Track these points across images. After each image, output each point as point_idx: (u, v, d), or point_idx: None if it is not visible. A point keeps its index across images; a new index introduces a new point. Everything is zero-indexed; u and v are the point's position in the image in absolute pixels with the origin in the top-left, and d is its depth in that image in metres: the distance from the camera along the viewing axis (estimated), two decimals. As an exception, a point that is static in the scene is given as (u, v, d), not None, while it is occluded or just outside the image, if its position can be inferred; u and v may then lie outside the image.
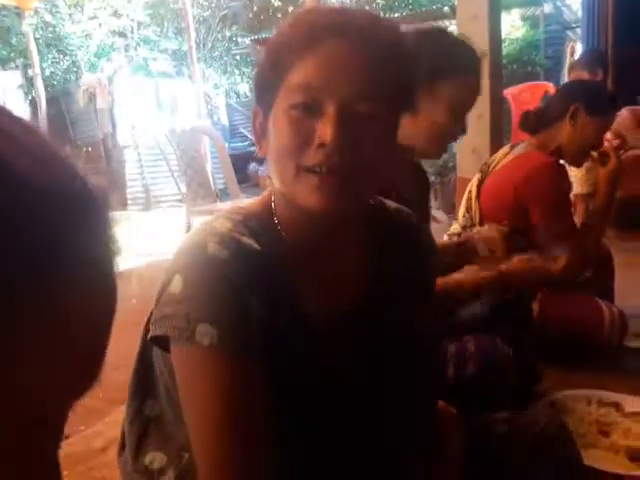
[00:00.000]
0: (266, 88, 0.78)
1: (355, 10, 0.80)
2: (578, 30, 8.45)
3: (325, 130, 0.72)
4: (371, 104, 0.74)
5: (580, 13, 7.58)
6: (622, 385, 1.50)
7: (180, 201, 5.96)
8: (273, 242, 0.80)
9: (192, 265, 0.75)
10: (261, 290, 0.75)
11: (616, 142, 3.48)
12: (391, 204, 0.96)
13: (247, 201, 0.91)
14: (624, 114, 3.48)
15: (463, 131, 1.45)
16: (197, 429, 0.76)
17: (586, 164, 3.36)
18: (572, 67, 3.63)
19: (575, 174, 3.38)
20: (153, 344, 0.80)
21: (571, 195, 3.62)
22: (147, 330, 0.87)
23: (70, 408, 0.32)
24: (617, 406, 1.40)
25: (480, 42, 2.53)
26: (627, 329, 1.82)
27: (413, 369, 0.91)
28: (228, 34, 13.76)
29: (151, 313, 0.87)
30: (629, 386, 1.51)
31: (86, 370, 0.32)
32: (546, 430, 1.15)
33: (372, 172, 0.78)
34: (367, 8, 13.42)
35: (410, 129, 1.37)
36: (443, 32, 1.57)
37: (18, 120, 0.31)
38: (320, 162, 0.73)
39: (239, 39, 13.62)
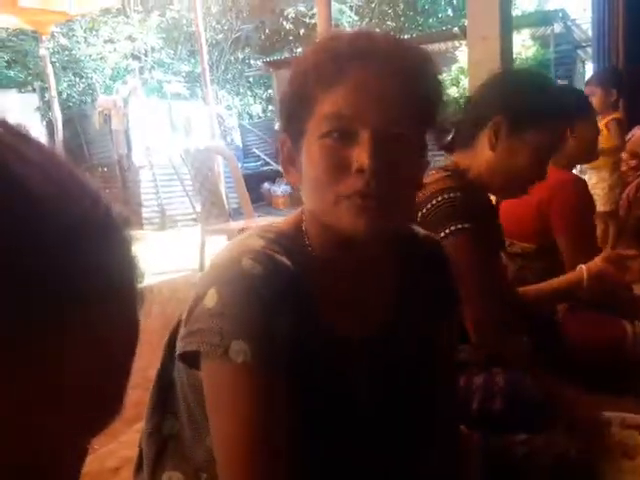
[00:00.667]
0: (295, 117, 0.79)
1: (377, 34, 0.80)
2: (589, 49, 8.48)
3: (362, 156, 0.73)
4: (402, 127, 0.75)
5: (590, 32, 7.62)
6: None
7: (194, 220, 6.00)
8: (303, 261, 0.81)
9: (227, 280, 0.75)
10: (292, 308, 0.76)
11: (633, 163, 3.47)
12: (421, 231, 0.98)
13: (274, 220, 0.92)
14: (638, 133, 3.47)
15: (542, 177, 1.42)
16: (225, 446, 0.75)
17: (609, 182, 3.36)
18: (588, 83, 3.63)
19: (597, 192, 3.38)
20: (180, 360, 0.80)
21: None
22: (170, 346, 0.88)
23: (89, 443, 0.31)
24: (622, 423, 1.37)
25: (491, 63, 2.55)
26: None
27: (434, 393, 0.92)
28: (241, 56, 13.97)
29: (174, 330, 0.88)
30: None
31: (108, 405, 0.31)
32: (567, 452, 1.13)
33: (407, 192, 0.80)
34: (377, 30, 13.54)
35: (485, 168, 1.38)
36: (535, 75, 1.55)
37: (43, 148, 0.30)
38: (359, 189, 0.74)
39: (251, 61, 13.82)
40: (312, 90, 0.76)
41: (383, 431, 0.86)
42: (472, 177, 1.38)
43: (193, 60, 12.58)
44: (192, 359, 0.77)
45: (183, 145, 5.17)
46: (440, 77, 0.83)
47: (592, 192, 3.45)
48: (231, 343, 0.72)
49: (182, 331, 0.77)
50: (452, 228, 1.26)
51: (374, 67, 0.75)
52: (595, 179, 3.42)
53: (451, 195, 1.28)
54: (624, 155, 3.48)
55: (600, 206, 3.39)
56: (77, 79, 11.37)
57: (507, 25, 2.57)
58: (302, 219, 0.85)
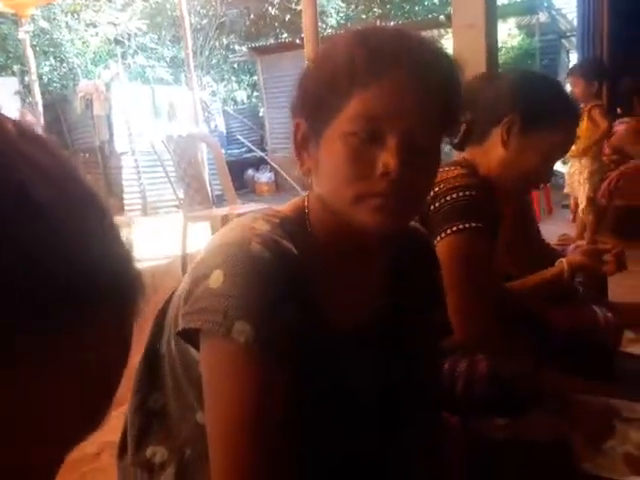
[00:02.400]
0: (320, 107, 0.78)
1: (413, 35, 0.79)
2: (573, 39, 8.52)
3: (389, 160, 0.74)
4: (428, 134, 0.77)
5: (575, 22, 7.65)
6: (620, 391, 1.51)
7: (177, 207, 5.96)
8: (307, 249, 0.81)
9: (234, 262, 0.74)
10: (298, 294, 0.76)
11: (615, 157, 3.52)
12: (412, 225, 1.01)
13: (257, 207, 0.92)
14: (620, 128, 3.51)
15: (548, 179, 1.48)
16: (219, 424, 0.75)
17: (589, 169, 3.40)
18: (571, 72, 3.66)
19: (576, 178, 3.42)
20: (180, 336, 0.80)
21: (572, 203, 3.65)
22: (158, 324, 0.89)
23: (67, 454, 0.30)
24: (615, 412, 1.40)
25: (477, 51, 2.54)
26: (622, 334, 1.82)
27: (426, 381, 0.95)
28: (225, 42, 13.83)
29: (162, 308, 0.89)
30: (627, 392, 1.51)
31: (95, 419, 0.30)
32: (543, 437, 1.15)
33: (423, 195, 0.85)
34: (363, 17, 13.52)
35: (495, 165, 1.42)
36: (549, 79, 1.58)
37: (54, 152, 0.30)
38: (383, 190, 0.75)
39: (236, 47, 13.68)
40: (343, 86, 0.75)
41: (378, 418, 0.88)
42: (483, 174, 1.42)
43: (177, 45, 12.43)
44: (191, 337, 0.77)
45: (166, 131, 5.12)
46: (461, 87, 0.83)
47: (572, 179, 3.50)
48: (235, 323, 0.72)
49: (183, 309, 0.77)
50: (465, 225, 1.31)
51: (410, 73, 0.74)
52: (576, 166, 3.46)
53: (466, 193, 1.33)
54: (606, 150, 3.52)
55: (577, 192, 3.44)
56: (58, 63, 11.19)
57: (492, 13, 2.56)
58: (305, 205, 0.86)
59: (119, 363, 0.31)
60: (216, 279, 0.74)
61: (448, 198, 1.34)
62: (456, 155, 1.62)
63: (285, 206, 0.89)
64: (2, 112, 0.30)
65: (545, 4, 9.03)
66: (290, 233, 0.80)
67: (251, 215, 0.83)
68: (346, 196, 0.77)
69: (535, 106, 1.38)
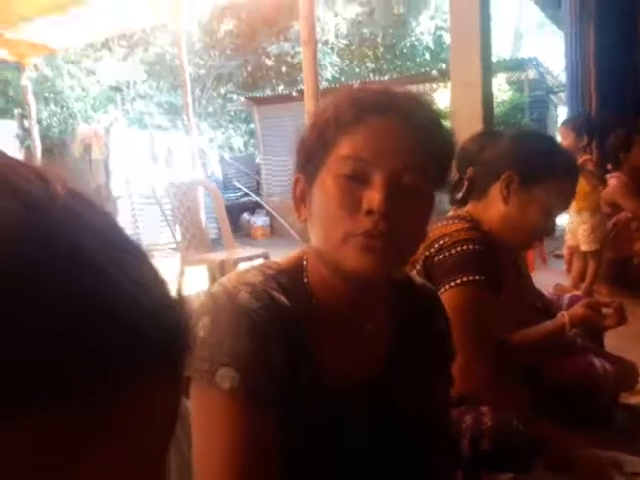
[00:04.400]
0: (311, 158, 0.83)
1: (398, 90, 0.84)
2: (561, 94, 8.80)
3: (374, 198, 0.76)
4: (414, 176, 0.79)
5: (562, 78, 7.92)
6: (621, 444, 1.51)
7: (173, 250, 5.97)
8: (301, 301, 0.83)
9: (221, 310, 0.77)
10: (286, 345, 0.78)
11: (608, 210, 3.61)
12: (418, 279, 1.01)
13: (255, 250, 0.94)
14: (612, 182, 3.60)
15: (550, 232, 1.52)
16: (204, 470, 0.75)
17: (590, 223, 3.47)
18: (563, 124, 3.78)
19: (580, 232, 3.48)
20: None
21: (566, 253, 3.68)
22: None
23: None
24: (618, 466, 1.41)
25: (473, 106, 2.65)
26: (621, 385, 1.84)
27: (425, 444, 0.92)
28: (223, 91, 14.13)
29: None
30: (628, 445, 1.52)
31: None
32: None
33: (412, 239, 0.83)
34: (357, 70, 13.93)
35: (497, 220, 1.47)
36: (545, 137, 1.68)
37: (101, 212, 0.30)
38: (368, 228, 0.76)
39: (233, 96, 13.98)
40: (331, 134, 0.80)
41: (372, 474, 0.86)
42: (485, 229, 1.47)
43: (174, 93, 12.69)
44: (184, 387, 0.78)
45: (167, 177, 5.18)
46: (451, 135, 0.86)
47: (575, 233, 3.57)
48: (219, 369, 0.74)
49: None
50: (469, 278, 1.35)
51: (392, 118, 0.79)
52: (578, 220, 3.53)
53: (470, 247, 1.38)
54: (602, 203, 3.61)
55: (583, 245, 3.50)
56: (58, 109, 11.36)
57: (488, 72, 2.69)
58: (304, 257, 0.87)
59: (174, 411, 0.31)
60: (203, 327, 0.76)
61: (452, 251, 1.39)
62: (455, 209, 1.68)
63: (284, 258, 0.90)
64: (51, 171, 0.29)
65: (533, 62, 9.35)
66: (284, 285, 0.82)
67: (250, 267, 0.85)
68: (334, 237, 0.78)
69: (531, 162, 1.44)
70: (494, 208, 1.48)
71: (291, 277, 0.85)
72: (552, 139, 1.73)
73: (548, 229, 1.50)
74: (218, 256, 4.47)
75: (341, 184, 0.78)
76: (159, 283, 0.30)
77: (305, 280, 0.85)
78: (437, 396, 0.96)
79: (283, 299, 0.80)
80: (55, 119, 11.22)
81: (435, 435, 0.94)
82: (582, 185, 3.36)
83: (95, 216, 0.28)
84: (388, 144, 0.78)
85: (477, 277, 1.35)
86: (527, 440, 1.29)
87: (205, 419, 0.76)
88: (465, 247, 1.38)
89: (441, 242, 1.41)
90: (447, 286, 1.36)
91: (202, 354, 0.75)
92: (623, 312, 1.66)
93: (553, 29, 9.81)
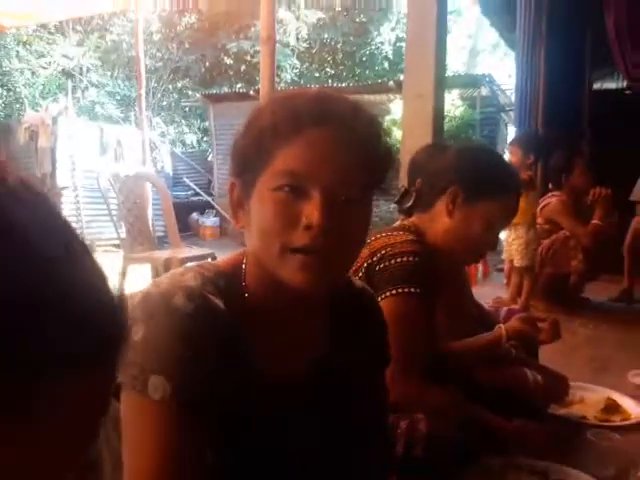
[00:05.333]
0: (249, 167, 0.80)
1: (336, 97, 0.83)
2: (511, 113, 9.07)
3: (312, 213, 0.75)
4: (353, 189, 0.78)
5: (513, 98, 8.17)
6: (549, 453, 1.56)
7: (117, 246, 5.82)
8: (238, 304, 0.82)
9: (155, 314, 0.75)
10: (221, 349, 0.76)
11: (547, 227, 3.73)
12: (357, 282, 1.01)
13: (203, 251, 0.92)
14: (553, 201, 3.71)
15: (494, 247, 1.56)
16: (133, 477, 0.74)
17: (525, 239, 3.57)
18: (511, 143, 3.89)
19: (514, 247, 3.58)
20: None
21: (506, 267, 3.80)
22: None
23: None
24: (544, 474, 1.45)
25: (424, 119, 2.70)
26: (550, 397, 1.90)
27: (361, 443, 0.93)
28: (179, 85, 13.92)
29: None
30: (554, 454, 1.57)
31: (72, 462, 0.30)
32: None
33: (351, 251, 0.83)
34: (317, 75, 13.99)
35: (442, 233, 1.50)
36: (490, 151, 1.72)
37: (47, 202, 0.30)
38: (306, 244, 0.76)
39: (189, 92, 13.79)
40: (268, 144, 0.78)
41: (309, 475, 0.86)
42: (430, 241, 1.49)
43: (128, 83, 12.41)
44: (115, 391, 0.76)
45: (113, 169, 5.05)
46: (388, 144, 0.86)
47: (510, 247, 3.68)
48: (150, 377, 0.72)
49: None
50: (404, 290, 1.38)
51: (330, 130, 0.77)
52: (513, 235, 3.63)
53: (410, 259, 1.40)
54: (539, 220, 3.72)
55: (517, 261, 3.60)
56: (4, 91, 10.93)
57: (441, 85, 2.74)
58: (242, 261, 0.86)
59: (104, 402, 0.32)
60: (136, 331, 0.74)
61: (393, 262, 1.41)
62: (402, 220, 1.70)
63: (224, 259, 0.89)
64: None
65: (487, 79, 9.61)
66: (222, 288, 0.81)
67: (187, 268, 0.84)
68: (273, 250, 0.77)
69: (476, 178, 1.47)
70: (439, 221, 1.51)
71: (229, 280, 0.83)
72: (497, 154, 1.77)
73: (491, 243, 1.54)
74: (163, 255, 4.38)
75: (279, 198, 0.77)
76: (100, 277, 0.30)
77: (243, 283, 0.85)
78: (374, 397, 0.97)
79: (219, 303, 0.79)
80: (0, 102, 10.79)
81: (372, 437, 0.95)
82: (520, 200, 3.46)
83: (39, 204, 0.29)
84: (326, 158, 0.77)
85: (413, 289, 1.38)
86: (461, 448, 1.31)
87: (135, 427, 0.75)
88: (405, 259, 1.41)
89: (383, 252, 1.43)
90: (384, 295, 1.38)
91: (134, 359, 0.73)
92: (558, 328, 1.72)
93: (508, 50, 10.12)
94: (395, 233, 1.49)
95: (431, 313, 1.47)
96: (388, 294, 1.38)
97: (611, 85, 6.58)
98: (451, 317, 1.82)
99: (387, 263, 1.41)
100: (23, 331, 0.25)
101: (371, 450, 0.94)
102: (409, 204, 1.65)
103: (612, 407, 2.07)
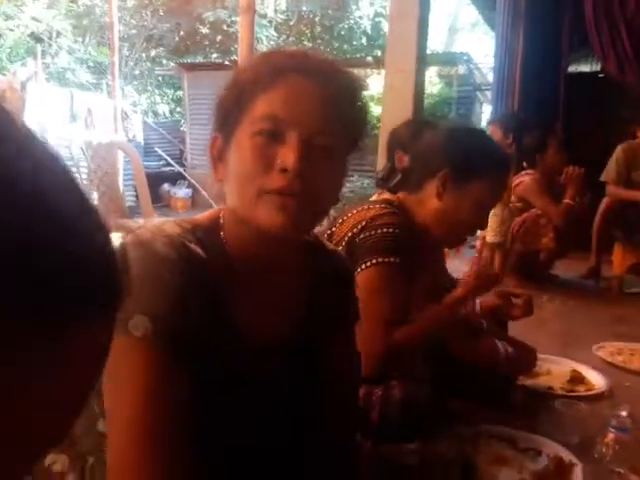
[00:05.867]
0: (228, 117, 0.83)
1: (316, 53, 0.87)
2: (487, 92, 9.13)
3: (287, 157, 0.78)
4: (328, 137, 0.81)
5: (490, 77, 8.20)
6: (517, 421, 1.62)
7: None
8: (218, 255, 0.83)
9: (137, 260, 0.75)
10: (202, 296, 0.78)
11: (520, 205, 3.78)
12: (329, 245, 1.04)
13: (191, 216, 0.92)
14: (526, 180, 3.76)
15: (482, 227, 1.58)
16: (117, 416, 0.75)
17: (500, 216, 3.62)
18: (491, 122, 3.91)
19: (490, 224, 3.63)
20: None
21: (479, 243, 3.87)
22: None
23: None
24: (513, 441, 1.50)
25: (405, 94, 2.70)
26: (520, 368, 1.96)
27: (333, 401, 0.96)
28: (152, 54, 13.59)
29: None
30: (523, 423, 1.62)
31: (56, 439, 0.30)
32: (453, 462, 1.22)
33: (325, 198, 0.85)
34: (294, 48, 13.78)
35: (431, 215, 1.51)
36: (480, 132, 1.72)
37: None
38: (282, 186, 0.78)
39: (163, 60, 13.48)
40: (248, 94, 0.81)
41: (279, 423, 0.89)
42: (418, 221, 1.52)
43: (100, 50, 12.07)
44: None
45: (85, 137, 4.95)
46: (365, 103, 0.89)
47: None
48: (133, 317, 0.73)
49: None
50: (381, 259, 1.41)
51: (308, 79, 0.80)
52: (488, 211, 3.67)
53: (391, 230, 1.44)
54: (512, 198, 3.77)
55: (490, 237, 3.66)
56: (-31, 53, 10.53)
57: (422, 61, 2.74)
58: (220, 215, 0.88)
59: (99, 363, 0.32)
60: None
61: (373, 232, 1.44)
62: (379, 194, 1.72)
63: (201, 215, 0.91)
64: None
65: (465, 57, 9.61)
66: (201, 239, 0.83)
67: (165, 220, 0.85)
68: (249, 193, 0.79)
69: (467, 160, 1.49)
70: (428, 203, 1.53)
71: (207, 232, 0.85)
72: (486, 135, 1.78)
73: (481, 223, 1.57)
74: (134, 223, 4.33)
75: (256, 142, 0.79)
76: (102, 225, 0.30)
77: (221, 235, 0.86)
78: (346, 353, 1.00)
79: (200, 251, 0.80)
80: (-35, 65, 10.41)
81: (345, 392, 0.98)
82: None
83: (49, 155, 0.30)
84: (304, 104, 0.80)
85: (393, 259, 1.41)
86: (434, 414, 1.35)
87: (116, 368, 0.73)
88: (386, 230, 1.43)
89: (364, 223, 1.45)
90: (364, 265, 1.41)
91: None
92: (531, 305, 1.77)
93: (487, 29, 10.12)
94: (378, 206, 1.51)
95: (408, 283, 1.49)
96: (369, 264, 1.41)
97: (585, 68, 6.66)
98: (425, 294, 1.85)
99: (368, 234, 1.43)
100: (32, 266, 0.25)
101: (342, 409, 0.97)
102: (395, 182, 1.67)
103: (577, 379, 2.15)
